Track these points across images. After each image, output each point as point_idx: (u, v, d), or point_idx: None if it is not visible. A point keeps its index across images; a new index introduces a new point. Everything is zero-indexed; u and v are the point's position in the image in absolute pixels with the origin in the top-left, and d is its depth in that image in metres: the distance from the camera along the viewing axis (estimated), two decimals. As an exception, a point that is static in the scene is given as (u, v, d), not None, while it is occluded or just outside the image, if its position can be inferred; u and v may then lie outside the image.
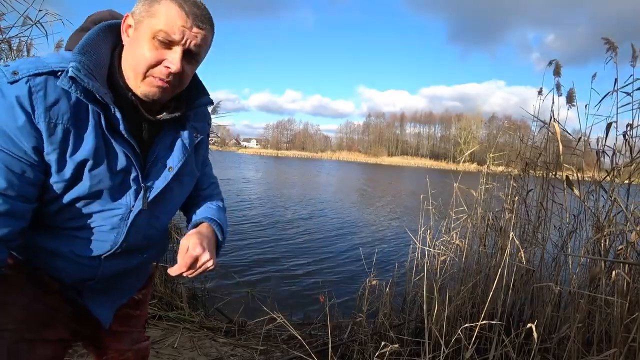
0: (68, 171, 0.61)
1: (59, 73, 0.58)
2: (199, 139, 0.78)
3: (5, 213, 0.58)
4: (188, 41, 0.63)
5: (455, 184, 2.46)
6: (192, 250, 0.69)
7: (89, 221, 0.68)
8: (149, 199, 0.71)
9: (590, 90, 1.95)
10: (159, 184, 0.72)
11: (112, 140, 0.63)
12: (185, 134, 0.74)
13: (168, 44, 0.62)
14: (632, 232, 1.60)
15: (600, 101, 1.88)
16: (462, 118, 71.33)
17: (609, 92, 1.84)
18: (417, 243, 2.41)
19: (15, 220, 0.60)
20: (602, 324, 1.62)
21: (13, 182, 0.58)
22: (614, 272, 1.59)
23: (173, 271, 0.69)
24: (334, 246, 6.66)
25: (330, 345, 1.54)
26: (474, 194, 2.45)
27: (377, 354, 1.34)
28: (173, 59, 0.62)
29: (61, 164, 0.61)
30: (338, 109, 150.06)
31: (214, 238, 0.77)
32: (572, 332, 1.61)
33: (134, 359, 0.95)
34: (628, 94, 1.78)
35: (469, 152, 2.58)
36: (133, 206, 0.69)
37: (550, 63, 2.13)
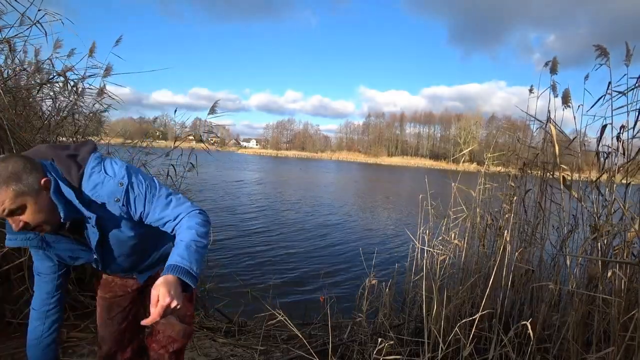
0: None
1: None
2: (97, 215, 0.97)
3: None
4: (3, 210, 0.82)
5: (454, 184, 2.46)
6: (162, 301, 0.82)
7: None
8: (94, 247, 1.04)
9: (591, 91, 1.96)
10: (92, 241, 1.02)
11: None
12: (88, 221, 0.98)
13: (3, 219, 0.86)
14: (628, 232, 1.61)
15: (595, 103, 1.89)
16: (461, 118, 71.30)
17: (602, 95, 1.85)
18: (417, 243, 2.42)
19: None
20: (600, 324, 1.63)
21: None
22: (609, 272, 1.60)
23: (147, 322, 0.82)
24: (334, 246, 6.67)
25: (330, 346, 1.54)
26: (473, 194, 2.45)
27: (375, 351, 1.35)
28: (12, 224, 0.86)
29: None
30: (338, 109, 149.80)
31: (179, 282, 0.89)
32: (571, 332, 1.62)
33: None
34: (622, 93, 1.78)
35: (467, 150, 2.59)
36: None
37: (546, 64, 2.13)
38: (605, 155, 1.90)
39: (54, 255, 1.06)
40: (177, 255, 0.93)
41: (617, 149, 1.85)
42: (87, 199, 0.95)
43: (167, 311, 0.82)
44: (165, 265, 0.91)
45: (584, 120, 2.04)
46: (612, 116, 1.84)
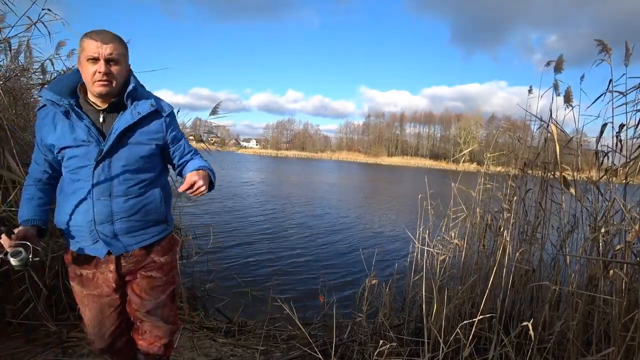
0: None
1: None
2: (141, 115, 1.15)
3: None
4: (103, 54, 1.06)
5: (454, 184, 2.46)
6: (193, 177, 1.10)
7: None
8: (104, 151, 1.11)
9: (591, 91, 1.96)
10: (108, 142, 1.12)
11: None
12: (127, 113, 1.14)
13: (95, 60, 1.06)
14: (629, 232, 1.61)
15: (594, 101, 1.88)
16: (461, 118, 71.28)
17: (602, 93, 1.84)
18: (417, 243, 2.41)
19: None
20: (601, 324, 1.63)
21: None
22: (611, 272, 1.59)
23: (181, 188, 1.09)
24: (334, 246, 6.66)
25: (330, 346, 1.54)
26: (473, 194, 2.45)
27: (376, 353, 1.35)
28: (99, 66, 1.06)
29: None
30: (339, 109, 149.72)
31: (208, 176, 1.18)
32: (572, 332, 1.62)
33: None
34: (622, 93, 1.78)
35: (467, 150, 2.58)
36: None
37: (548, 63, 2.13)
38: (603, 155, 1.89)
39: (64, 139, 1.12)
40: (203, 163, 1.25)
41: (616, 148, 1.84)
42: (142, 99, 1.18)
43: (194, 186, 1.10)
44: (194, 167, 1.20)
45: (583, 120, 2.04)
46: (612, 115, 1.84)
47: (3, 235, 1.00)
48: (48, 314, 2.04)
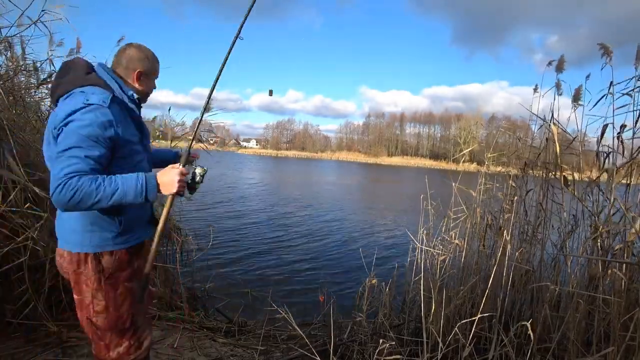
0: None
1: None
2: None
3: None
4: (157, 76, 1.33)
5: (454, 184, 2.46)
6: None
7: None
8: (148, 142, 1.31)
9: (591, 91, 1.96)
10: (146, 133, 1.29)
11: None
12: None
13: (156, 77, 1.32)
14: (628, 232, 1.61)
15: (597, 102, 1.88)
16: (461, 118, 71.27)
17: (604, 95, 1.84)
18: (417, 243, 2.41)
19: None
20: (601, 324, 1.62)
21: None
22: (609, 272, 1.59)
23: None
24: (334, 246, 6.66)
25: (330, 346, 1.54)
26: (473, 194, 2.45)
27: (376, 352, 1.35)
28: (154, 84, 1.33)
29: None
30: (340, 110, 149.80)
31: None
32: (572, 332, 1.62)
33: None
34: (628, 94, 1.78)
35: (467, 150, 2.58)
36: None
37: (549, 63, 2.13)
38: (604, 155, 1.89)
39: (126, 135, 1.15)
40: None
41: (617, 148, 1.84)
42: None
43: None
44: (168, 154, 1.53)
45: (584, 120, 2.04)
46: (612, 116, 1.83)
47: (182, 168, 1.15)
48: (48, 314, 2.04)
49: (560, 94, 2.14)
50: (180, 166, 1.16)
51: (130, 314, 1.21)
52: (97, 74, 1.16)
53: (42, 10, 2.31)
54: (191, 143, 1.36)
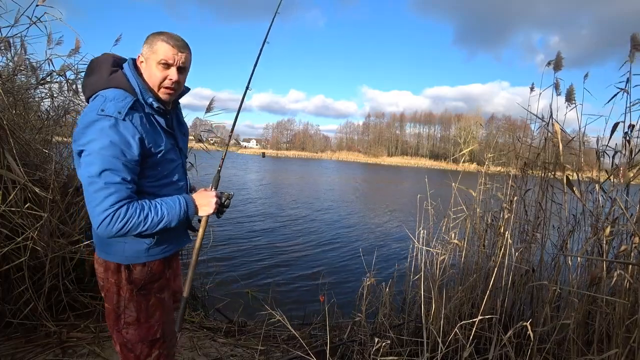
0: None
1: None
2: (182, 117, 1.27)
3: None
4: (178, 61, 1.05)
5: (454, 184, 2.46)
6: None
7: None
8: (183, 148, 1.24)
9: (591, 91, 1.95)
10: (178, 138, 1.20)
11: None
12: (176, 116, 1.22)
13: (167, 66, 1.04)
14: (634, 235, 1.60)
15: (609, 101, 1.86)
16: (461, 118, 71.26)
17: (615, 94, 1.82)
18: (417, 243, 2.41)
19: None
20: (601, 324, 1.62)
21: None
22: (615, 273, 1.58)
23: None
24: (334, 246, 6.66)
25: (329, 346, 1.54)
26: (473, 194, 2.45)
27: (373, 350, 1.34)
28: (172, 74, 1.06)
29: None
30: (341, 110, 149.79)
31: None
32: (572, 332, 1.62)
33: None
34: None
35: (467, 150, 2.58)
36: None
37: (549, 63, 2.12)
38: (603, 154, 1.89)
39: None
40: None
41: (623, 149, 1.83)
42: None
43: None
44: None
45: (586, 120, 2.03)
46: (624, 114, 1.80)
47: (216, 192, 1.19)
48: (48, 314, 2.04)
49: (559, 94, 2.14)
50: (213, 189, 1.21)
51: (161, 324, 1.18)
52: (122, 72, 1.04)
53: (37, 6, 2.29)
54: (222, 162, 1.32)
